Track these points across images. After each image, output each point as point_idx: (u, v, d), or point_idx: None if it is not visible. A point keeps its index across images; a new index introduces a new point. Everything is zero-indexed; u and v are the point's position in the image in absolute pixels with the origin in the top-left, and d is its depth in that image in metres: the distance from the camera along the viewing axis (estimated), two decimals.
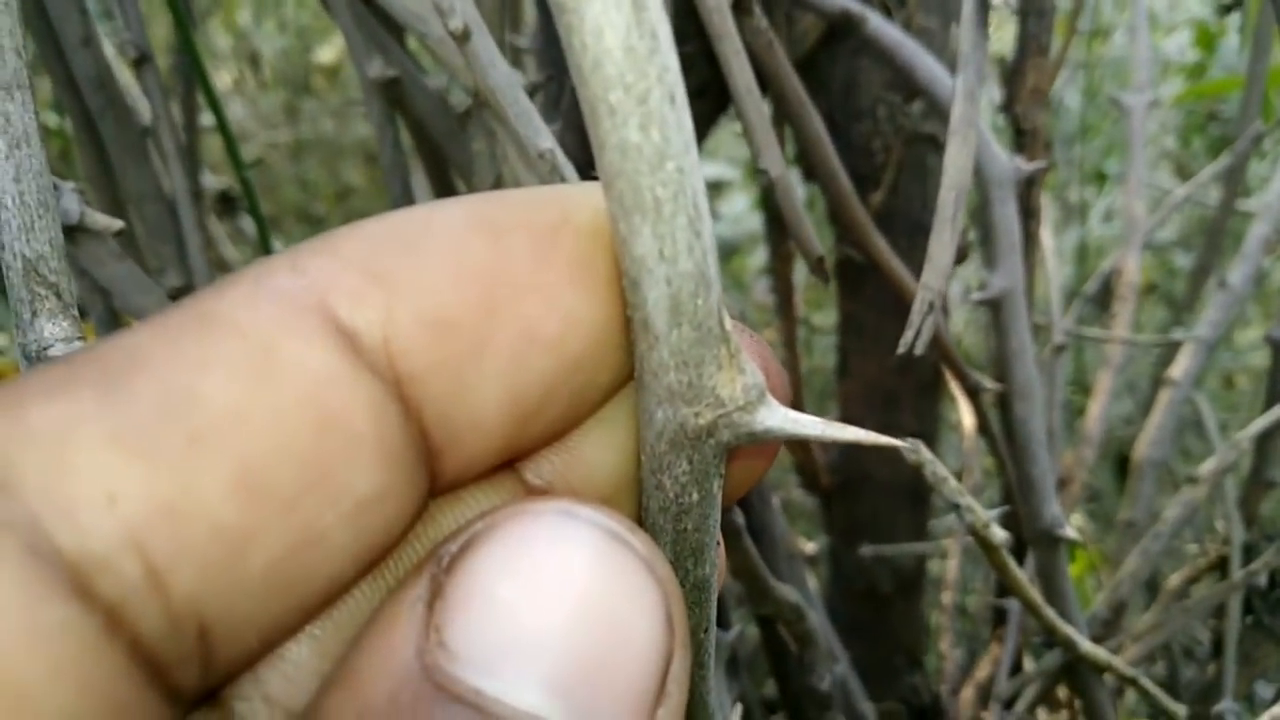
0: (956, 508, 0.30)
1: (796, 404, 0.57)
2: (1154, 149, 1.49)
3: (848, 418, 0.77)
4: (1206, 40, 1.33)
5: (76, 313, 0.20)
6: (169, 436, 0.13)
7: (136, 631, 0.12)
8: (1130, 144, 0.75)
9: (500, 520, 0.13)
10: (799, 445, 0.78)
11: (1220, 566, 0.70)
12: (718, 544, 0.16)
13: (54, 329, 0.19)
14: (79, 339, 0.19)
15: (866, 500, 0.80)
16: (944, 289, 0.34)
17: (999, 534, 0.30)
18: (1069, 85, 1.30)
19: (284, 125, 1.65)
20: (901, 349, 0.33)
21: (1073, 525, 0.74)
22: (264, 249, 0.47)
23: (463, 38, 0.30)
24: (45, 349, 0.18)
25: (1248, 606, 0.70)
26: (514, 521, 0.13)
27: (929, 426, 0.79)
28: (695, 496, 0.15)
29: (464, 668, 0.12)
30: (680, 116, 0.13)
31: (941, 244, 0.33)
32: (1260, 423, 0.62)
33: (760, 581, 0.40)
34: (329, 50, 1.76)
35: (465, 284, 0.14)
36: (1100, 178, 1.43)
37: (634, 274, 0.14)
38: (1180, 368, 0.81)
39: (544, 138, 0.30)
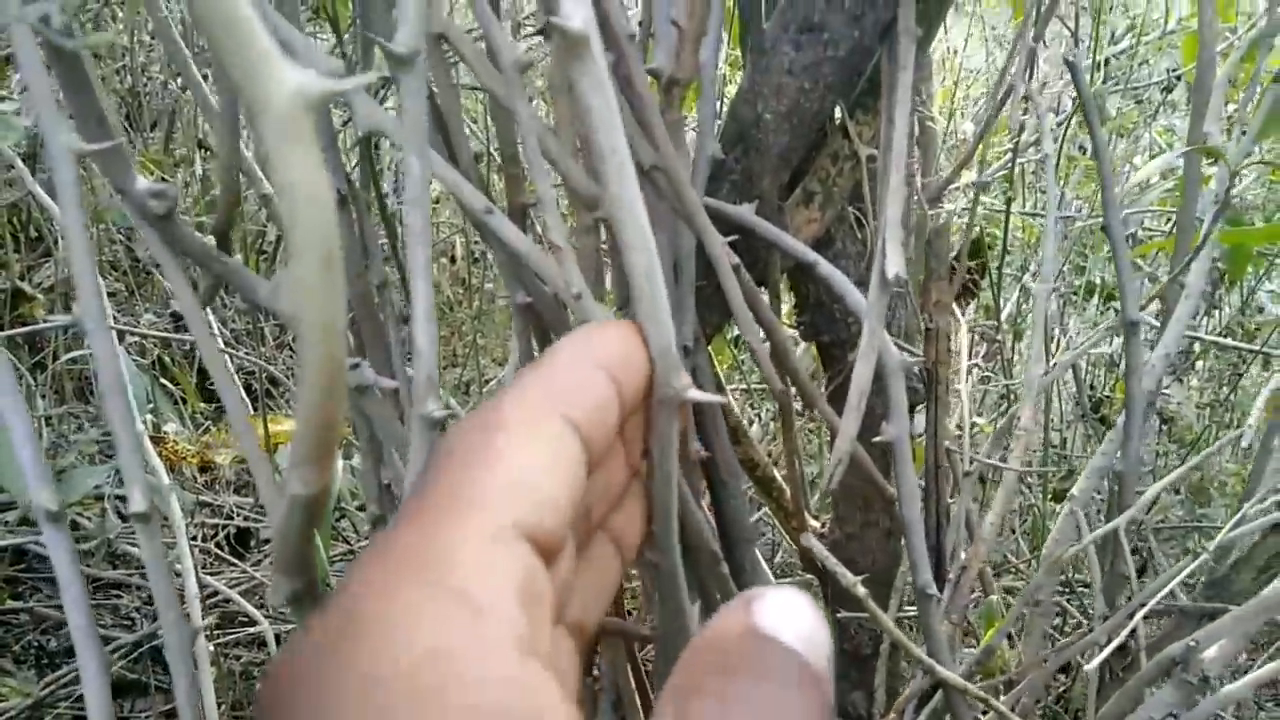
0: (834, 573, 0.48)
1: (799, 504, 0.73)
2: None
3: (839, 514, 0.94)
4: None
5: (443, 402, 0.34)
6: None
7: (575, 630, 0.27)
8: (1035, 322, 0.92)
9: (763, 589, 0.24)
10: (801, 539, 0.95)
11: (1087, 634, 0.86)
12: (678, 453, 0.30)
13: (434, 405, 0.33)
14: (442, 410, 0.33)
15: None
16: (849, 450, 0.52)
17: (861, 590, 0.49)
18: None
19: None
20: (822, 487, 0.51)
21: (992, 600, 0.90)
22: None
23: (578, 298, 0.49)
24: (431, 413, 0.32)
25: (1111, 667, 0.85)
26: (771, 590, 0.24)
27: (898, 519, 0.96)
28: (668, 427, 0.29)
29: (765, 627, 0.23)
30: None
31: (849, 422, 0.51)
32: (1100, 531, 0.79)
33: None
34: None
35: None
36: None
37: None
38: (1078, 487, 0.98)
39: None
